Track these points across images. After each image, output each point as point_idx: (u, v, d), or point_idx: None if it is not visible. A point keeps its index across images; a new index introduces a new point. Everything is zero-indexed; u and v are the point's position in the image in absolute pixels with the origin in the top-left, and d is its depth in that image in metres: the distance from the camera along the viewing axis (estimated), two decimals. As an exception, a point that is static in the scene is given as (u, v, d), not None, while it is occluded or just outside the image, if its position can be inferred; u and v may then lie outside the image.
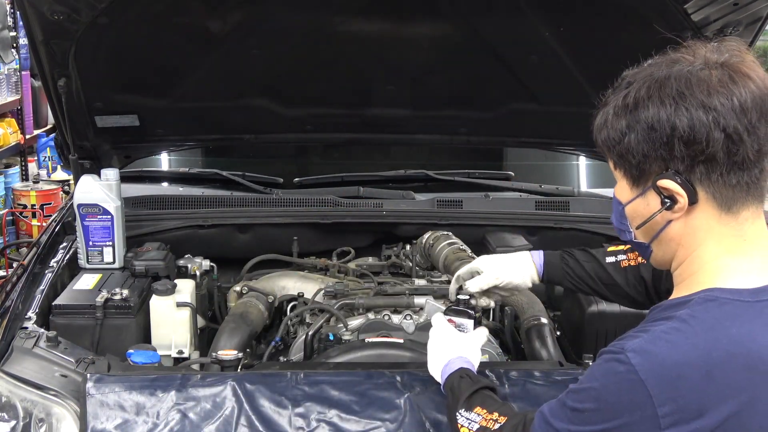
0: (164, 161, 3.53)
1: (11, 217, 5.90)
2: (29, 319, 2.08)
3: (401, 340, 2.14)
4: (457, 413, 1.53)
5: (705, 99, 1.25)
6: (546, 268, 1.91)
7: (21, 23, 5.04)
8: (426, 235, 2.74)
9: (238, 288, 2.57)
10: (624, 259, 1.84)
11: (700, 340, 1.23)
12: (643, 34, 2.35)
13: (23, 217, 5.89)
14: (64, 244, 2.61)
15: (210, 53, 2.66)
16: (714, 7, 2.24)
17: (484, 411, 1.51)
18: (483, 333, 1.81)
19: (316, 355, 2.20)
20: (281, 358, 2.27)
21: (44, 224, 4.16)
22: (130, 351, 2.01)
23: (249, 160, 3.45)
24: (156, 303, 2.27)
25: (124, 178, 2.66)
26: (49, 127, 7.00)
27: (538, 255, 1.92)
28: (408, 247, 2.86)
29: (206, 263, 2.59)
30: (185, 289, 2.35)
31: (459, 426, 1.52)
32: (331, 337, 2.21)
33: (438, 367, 1.70)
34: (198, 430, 1.70)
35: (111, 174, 2.52)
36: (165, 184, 3.37)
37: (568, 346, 2.40)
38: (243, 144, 3.22)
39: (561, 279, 1.91)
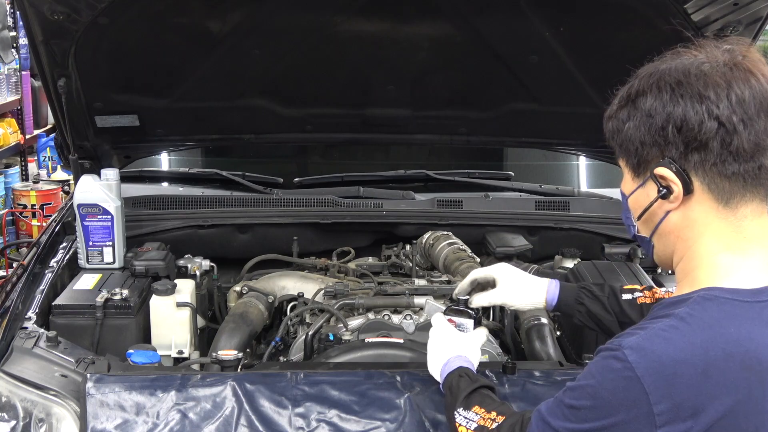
0: (164, 161, 3.53)
1: (11, 217, 5.90)
2: (29, 319, 2.08)
3: (401, 340, 2.14)
4: (455, 412, 1.54)
5: (701, 89, 1.28)
6: (559, 303, 1.88)
7: (21, 23, 5.03)
8: (426, 235, 2.74)
9: (238, 288, 2.57)
10: (641, 296, 1.83)
11: (697, 338, 1.23)
12: (643, 34, 2.36)
13: (23, 217, 5.89)
14: (64, 244, 2.61)
15: (210, 53, 2.66)
16: (714, 7, 2.25)
17: (482, 410, 1.51)
18: (483, 333, 1.81)
19: (316, 355, 2.19)
20: (281, 358, 2.27)
21: (44, 224, 4.16)
22: (130, 351, 2.01)
23: (249, 160, 3.46)
24: (156, 303, 2.27)
25: (124, 178, 2.67)
26: (49, 127, 7.00)
27: (555, 286, 1.88)
28: (408, 247, 2.86)
29: (206, 263, 2.59)
30: (185, 289, 2.35)
31: (457, 425, 1.52)
32: (331, 337, 2.21)
33: (437, 366, 1.70)
34: (198, 430, 1.70)
35: (111, 174, 2.52)
36: (165, 184, 3.37)
37: (568, 346, 2.40)
38: (243, 144, 3.22)
39: (572, 314, 1.89)
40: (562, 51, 2.64)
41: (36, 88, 6.63)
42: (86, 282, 2.36)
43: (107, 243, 2.50)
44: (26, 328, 2.02)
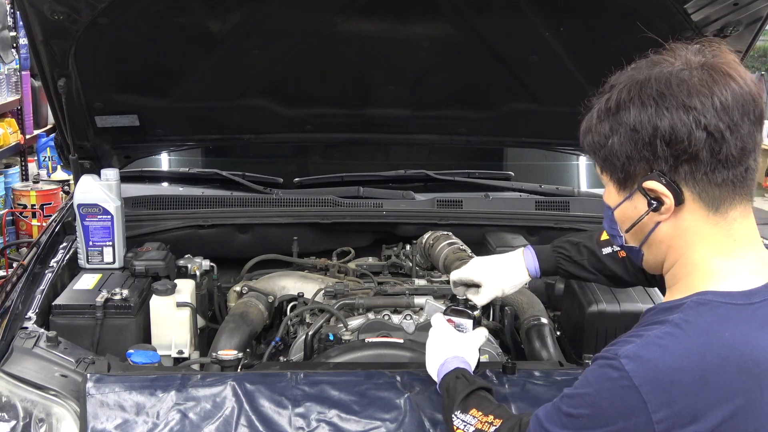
0: (164, 161, 3.53)
1: (11, 217, 5.91)
2: (29, 319, 2.08)
3: (401, 340, 2.15)
4: (453, 415, 1.54)
5: (685, 99, 1.25)
6: (541, 273, 1.90)
7: (21, 23, 5.04)
8: (426, 235, 2.74)
9: (238, 288, 2.57)
10: (620, 249, 1.83)
11: (693, 344, 1.22)
12: (643, 35, 2.36)
13: (23, 217, 5.89)
14: (64, 244, 2.61)
15: (210, 53, 2.66)
16: (714, 7, 2.24)
17: (480, 413, 1.51)
18: (482, 333, 1.81)
19: (316, 355, 2.20)
20: (281, 358, 2.27)
21: (44, 224, 4.16)
22: (130, 351, 2.01)
23: (249, 160, 3.46)
24: (156, 303, 2.27)
25: (124, 178, 2.66)
26: (49, 127, 7.01)
27: (532, 256, 1.90)
28: (408, 247, 2.86)
29: (206, 263, 2.59)
30: (185, 289, 2.35)
31: (455, 428, 1.52)
32: (331, 337, 2.21)
33: (435, 366, 1.70)
34: (198, 430, 1.70)
35: (111, 174, 2.52)
36: (165, 184, 3.37)
37: (568, 346, 2.40)
38: (243, 144, 3.22)
39: (555, 271, 1.91)
40: (562, 51, 2.64)
41: (36, 88, 6.64)
42: (86, 282, 2.37)
43: (107, 243, 2.50)
44: (26, 328, 2.02)
